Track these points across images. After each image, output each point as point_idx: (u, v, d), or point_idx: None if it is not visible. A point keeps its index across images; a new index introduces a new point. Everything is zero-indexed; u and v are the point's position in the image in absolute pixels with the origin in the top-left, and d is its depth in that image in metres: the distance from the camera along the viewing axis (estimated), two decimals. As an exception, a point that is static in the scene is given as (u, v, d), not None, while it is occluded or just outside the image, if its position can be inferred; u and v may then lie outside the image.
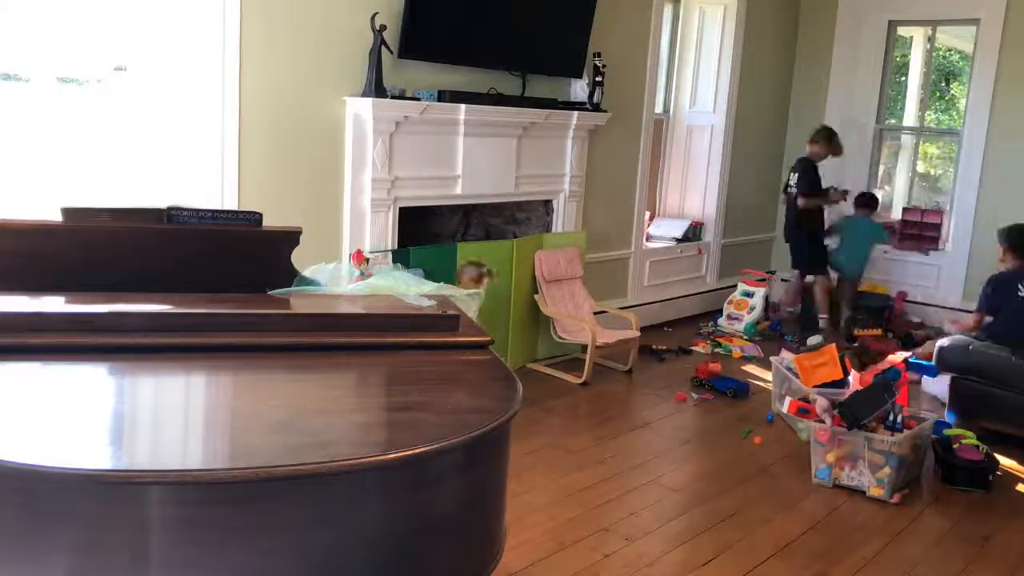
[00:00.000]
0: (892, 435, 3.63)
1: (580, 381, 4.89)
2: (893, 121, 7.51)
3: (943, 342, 4.55)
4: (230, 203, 3.84)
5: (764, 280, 6.49)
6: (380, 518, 1.55)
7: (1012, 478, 3.95)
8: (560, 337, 5.09)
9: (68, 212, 2.32)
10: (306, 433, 1.62)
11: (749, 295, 6.35)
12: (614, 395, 4.86)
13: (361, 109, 4.18)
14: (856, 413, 3.63)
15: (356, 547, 1.54)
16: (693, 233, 6.83)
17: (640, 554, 3.09)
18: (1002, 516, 3.57)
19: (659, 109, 6.44)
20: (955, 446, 3.87)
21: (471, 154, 4.73)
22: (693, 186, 6.93)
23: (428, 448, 1.55)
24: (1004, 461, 4.02)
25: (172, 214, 2.40)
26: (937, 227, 6.97)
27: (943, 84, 7.92)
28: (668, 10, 6.25)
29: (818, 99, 7.31)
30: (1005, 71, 6.41)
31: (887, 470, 3.59)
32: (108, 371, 1.88)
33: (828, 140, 6.26)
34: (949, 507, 3.64)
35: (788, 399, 4.00)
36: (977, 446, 3.88)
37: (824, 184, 6.34)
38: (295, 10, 3.96)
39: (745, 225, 7.24)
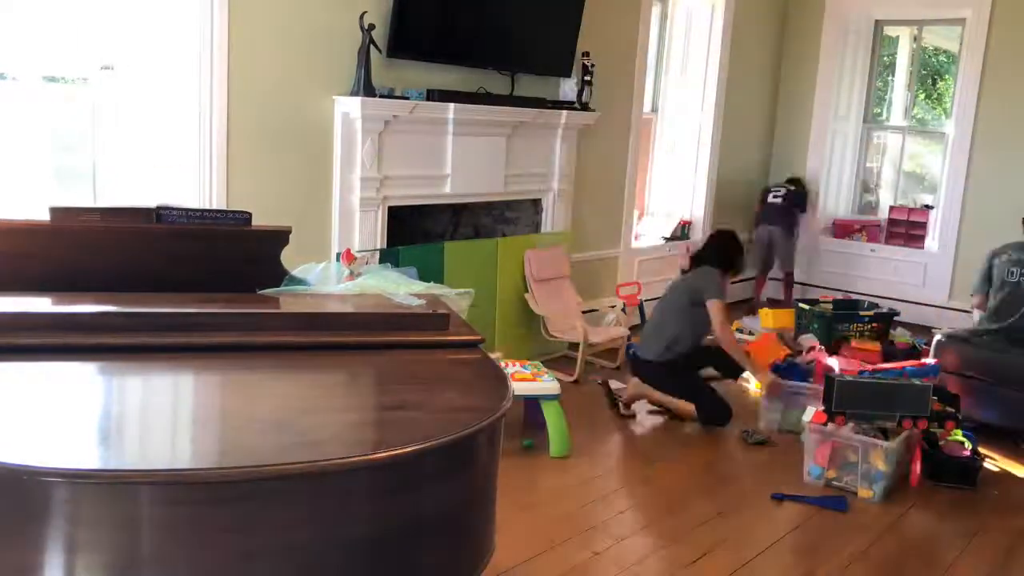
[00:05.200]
0: (886, 440, 3.64)
1: (572, 379, 4.90)
2: (880, 120, 7.56)
3: (940, 338, 4.63)
4: (219, 202, 3.83)
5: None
6: (371, 517, 1.55)
7: (999, 473, 3.98)
8: (551, 336, 5.09)
9: (56, 211, 2.32)
10: (296, 432, 1.62)
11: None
12: (603, 393, 4.86)
13: (350, 108, 4.17)
14: (841, 400, 3.65)
15: (346, 546, 1.54)
16: (681, 232, 6.85)
17: (629, 552, 3.10)
18: (989, 512, 3.60)
19: (647, 108, 6.45)
20: (941, 443, 3.90)
21: (460, 153, 4.73)
22: (681, 185, 6.95)
23: (419, 447, 1.55)
24: (990, 456, 4.06)
25: (161, 213, 2.39)
26: (924, 226, 7.03)
27: (930, 83, 7.98)
28: (656, 9, 6.27)
29: (805, 98, 7.35)
30: (990, 71, 6.46)
31: (881, 473, 3.60)
32: (97, 371, 1.88)
33: None
34: (936, 504, 3.66)
35: None
36: (962, 442, 3.90)
37: None
38: (283, 8, 3.95)
39: (733, 223, 7.23)
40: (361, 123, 4.22)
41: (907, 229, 7.09)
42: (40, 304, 2.08)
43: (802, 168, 7.40)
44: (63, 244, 2.27)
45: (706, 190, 6.88)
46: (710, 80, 6.73)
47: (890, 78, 7.67)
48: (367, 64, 4.13)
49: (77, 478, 1.40)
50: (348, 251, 3.12)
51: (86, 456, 1.49)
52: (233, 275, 2.38)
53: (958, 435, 3.95)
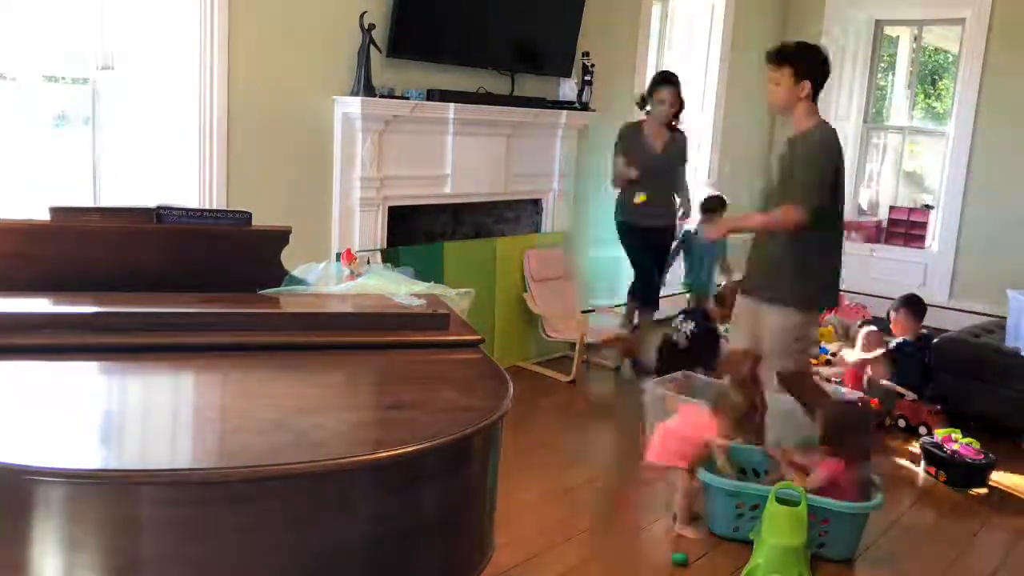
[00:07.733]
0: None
1: (568, 379, 4.90)
2: (880, 120, 7.56)
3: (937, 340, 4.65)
4: (219, 202, 3.83)
5: None
6: (371, 517, 1.55)
7: (999, 473, 3.98)
8: (549, 336, 5.09)
9: (56, 211, 2.32)
10: (297, 432, 1.62)
11: None
12: (603, 393, 4.87)
13: (350, 108, 4.17)
14: None
15: (347, 546, 1.53)
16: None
17: (629, 552, 3.10)
18: (989, 511, 3.60)
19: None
20: (952, 446, 3.86)
21: (460, 153, 4.73)
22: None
23: (419, 447, 1.55)
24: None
25: (161, 213, 2.39)
26: (924, 226, 7.03)
27: (930, 83, 7.98)
28: (656, 9, 6.26)
29: (806, 98, 7.33)
30: (990, 71, 6.46)
31: None
32: (97, 371, 1.88)
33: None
34: (936, 503, 3.67)
35: None
36: (970, 443, 3.88)
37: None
38: (283, 8, 3.95)
39: (733, 224, 7.26)
40: (361, 123, 4.22)
41: (907, 229, 7.09)
42: (40, 304, 2.08)
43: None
44: (63, 244, 2.27)
45: (706, 190, 6.86)
46: (710, 80, 6.73)
47: (890, 78, 7.67)
48: (367, 64, 4.13)
49: (77, 478, 1.40)
50: (348, 251, 3.12)
51: (86, 456, 1.49)
52: (233, 275, 2.37)
53: (958, 433, 3.94)
